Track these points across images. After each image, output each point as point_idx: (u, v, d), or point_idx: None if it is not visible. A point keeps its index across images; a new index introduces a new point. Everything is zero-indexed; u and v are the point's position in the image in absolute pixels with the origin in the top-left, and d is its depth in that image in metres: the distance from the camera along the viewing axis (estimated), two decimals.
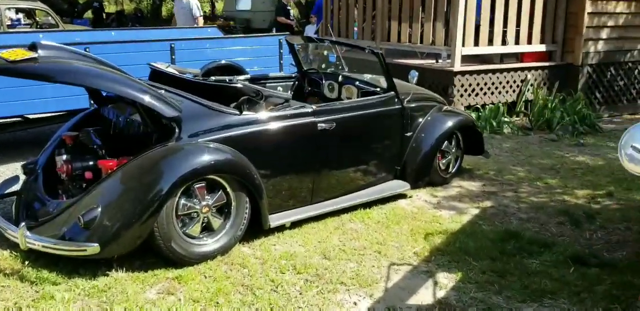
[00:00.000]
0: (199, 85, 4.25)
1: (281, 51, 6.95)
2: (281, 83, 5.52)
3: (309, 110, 4.14)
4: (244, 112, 3.84)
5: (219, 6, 24.90)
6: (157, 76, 4.51)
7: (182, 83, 4.22)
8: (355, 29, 9.19)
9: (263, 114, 3.91)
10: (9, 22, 11.01)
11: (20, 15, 13.09)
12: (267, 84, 5.35)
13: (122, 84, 3.56)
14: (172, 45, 6.10)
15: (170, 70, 4.62)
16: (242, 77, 5.23)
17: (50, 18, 11.61)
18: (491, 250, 3.77)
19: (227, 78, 4.77)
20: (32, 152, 5.52)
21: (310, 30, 12.17)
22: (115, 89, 3.54)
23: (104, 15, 21.92)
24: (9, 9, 11.15)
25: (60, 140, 4.07)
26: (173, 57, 6.09)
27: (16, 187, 4.11)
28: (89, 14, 21.92)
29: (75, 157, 3.81)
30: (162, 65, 4.68)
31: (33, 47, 3.46)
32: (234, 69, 6.51)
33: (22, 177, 4.14)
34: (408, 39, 7.94)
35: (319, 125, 4.11)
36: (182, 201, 3.46)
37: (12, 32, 9.23)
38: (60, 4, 18.83)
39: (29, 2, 11.51)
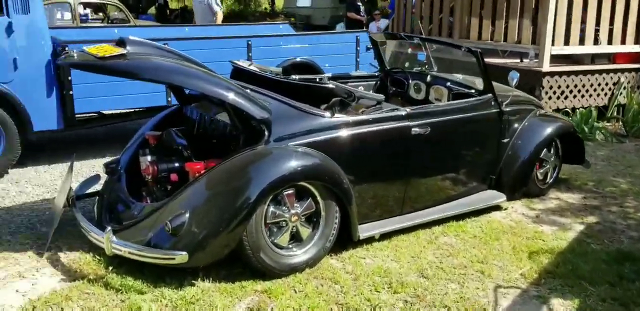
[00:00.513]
0: (285, 85, 4.01)
1: (358, 49, 6.68)
2: (362, 83, 5.24)
3: (403, 113, 3.85)
4: (335, 115, 3.59)
5: (279, 2, 24.81)
6: (239, 74, 4.32)
7: (266, 83, 4.00)
8: (421, 25, 8.76)
9: (355, 117, 3.65)
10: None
11: (88, 10, 13.26)
12: (348, 84, 5.07)
13: (209, 83, 3.36)
14: (249, 42, 5.92)
15: (253, 68, 4.42)
16: (325, 76, 4.98)
17: (117, 13, 11.69)
18: (607, 274, 3.39)
19: (316, 77, 4.52)
20: (107, 149, 5.49)
21: (374, 28, 11.81)
22: (203, 88, 3.35)
23: (168, 11, 22.17)
24: (80, 3, 11.28)
25: (143, 140, 3.92)
26: (250, 54, 5.92)
27: (96, 187, 4.00)
28: (151, 10, 22.23)
29: (160, 158, 3.65)
30: (244, 63, 4.49)
31: (121, 42, 3.31)
32: (310, 67, 6.28)
33: (103, 176, 4.03)
34: (490, 36, 7.51)
35: (412, 129, 3.81)
36: (271, 209, 3.25)
37: (86, 26, 9.29)
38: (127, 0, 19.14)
39: None
